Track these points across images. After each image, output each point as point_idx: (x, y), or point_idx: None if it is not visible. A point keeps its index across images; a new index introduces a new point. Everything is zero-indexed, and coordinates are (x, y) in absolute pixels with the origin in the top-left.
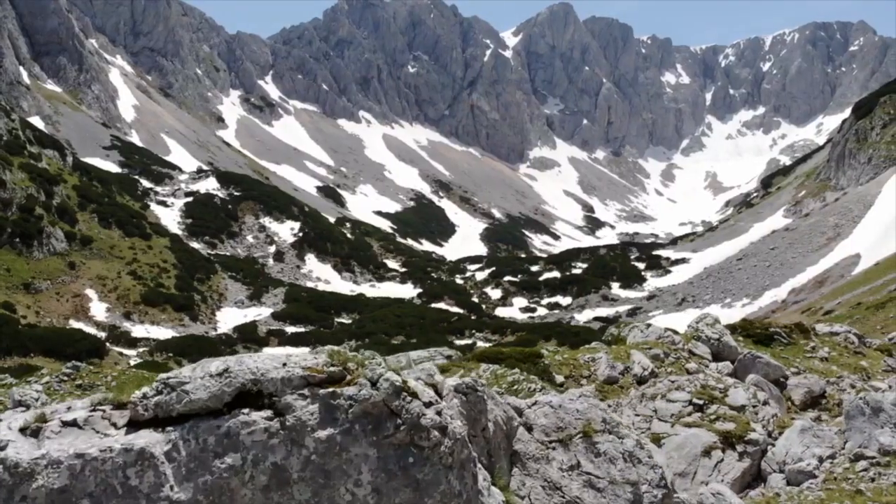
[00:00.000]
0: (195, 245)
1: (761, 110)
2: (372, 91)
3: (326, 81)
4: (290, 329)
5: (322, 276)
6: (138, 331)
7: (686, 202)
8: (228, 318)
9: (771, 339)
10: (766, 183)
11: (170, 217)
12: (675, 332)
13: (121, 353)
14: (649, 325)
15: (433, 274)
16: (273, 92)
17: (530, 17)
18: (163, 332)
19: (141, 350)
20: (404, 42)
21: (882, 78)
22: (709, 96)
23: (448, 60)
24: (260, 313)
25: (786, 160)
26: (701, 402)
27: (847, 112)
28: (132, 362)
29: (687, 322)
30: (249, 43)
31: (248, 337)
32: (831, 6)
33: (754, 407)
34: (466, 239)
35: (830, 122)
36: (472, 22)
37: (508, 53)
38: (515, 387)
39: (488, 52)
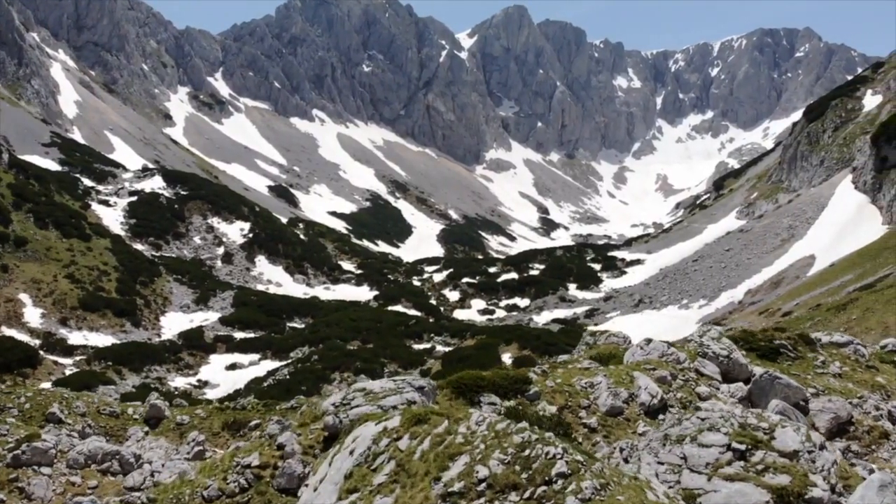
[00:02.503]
0: (139, 246)
1: (710, 114)
2: (326, 89)
3: (279, 79)
4: (239, 335)
5: (273, 278)
6: (75, 338)
7: (637, 204)
8: (173, 324)
9: (777, 353)
10: (718, 185)
11: (112, 217)
12: (674, 346)
13: (55, 363)
14: (650, 341)
15: (390, 276)
16: (223, 89)
17: (485, 20)
18: (102, 339)
19: (78, 359)
20: (359, 41)
21: (827, 83)
22: (659, 100)
23: (403, 60)
24: (207, 318)
25: (734, 163)
26: (742, 446)
27: (793, 117)
28: (67, 372)
29: (642, 323)
30: (199, 39)
31: (194, 343)
32: (778, 13)
33: (810, 453)
34: (423, 240)
35: (777, 126)
36: (428, 22)
37: (464, 55)
38: (527, 452)
39: (444, 53)
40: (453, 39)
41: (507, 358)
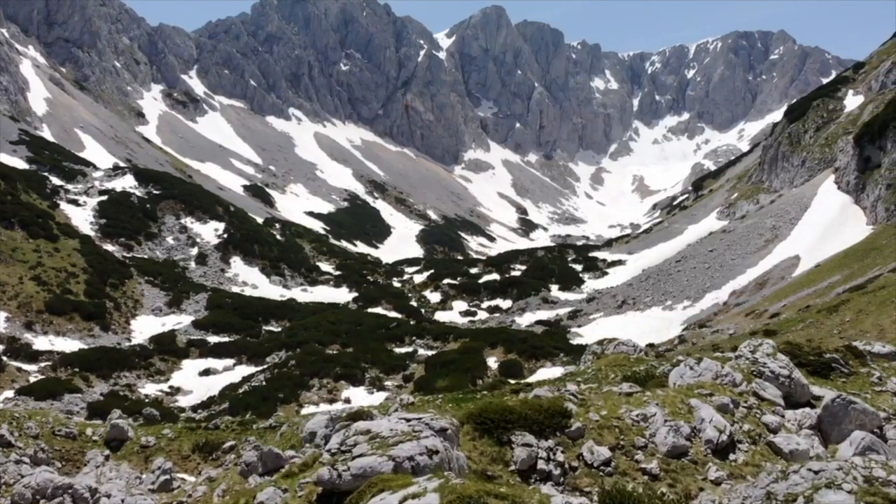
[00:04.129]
0: (109, 247)
1: (686, 116)
2: (303, 88)
3: (254, 77)
4: (213, 338)
5: (249, 279)
6: (41, 343)
7: (614, 205)
8: (144, 327)
9: (829, 369)
10: (697, 186)
11: (81, 217)
12: (725, 361)
13: (19, 369)
14: (700, 360)
15: (369, 277)
16: (197, 87)
17: (463, 20)
18: (69, 344)
19: (43, 365)
20: (336, 39)
21: (801, 86)
22: (636, 102)
23: (381, 59)
24: (180, 321)
25: (710, 165)
26: None
27: (768, 119)
28: (32, 379)
29: (626, 325)
30: (172, 36)
31: (166, 348)
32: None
33: None
34: (402, 240)
35: (752, 128)
36: (406, 22)
37: (442, 55)
38: None
39: (422, 53)
40: (431, 39)
41: (492, 362)
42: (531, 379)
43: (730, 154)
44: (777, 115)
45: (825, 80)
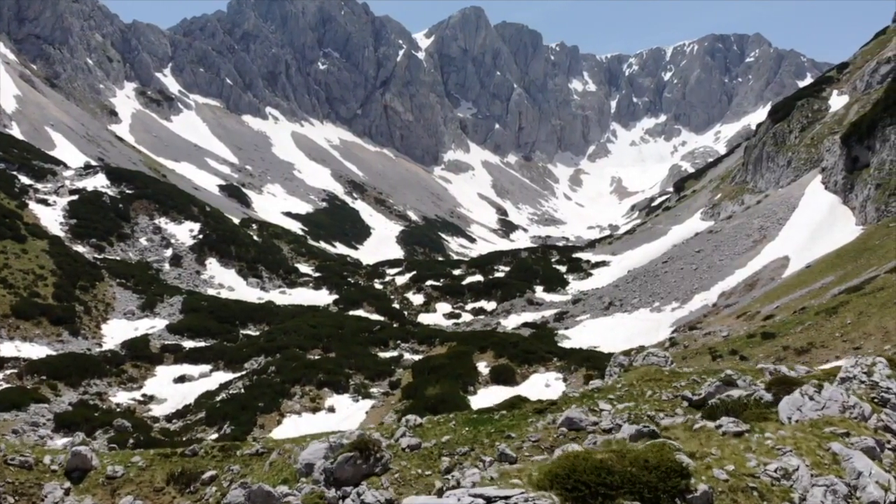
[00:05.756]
0: (79, 248)
1: (663, 118)
2: (280, 87)
3: (231, 76)
4: (188, 343)
5: (225, 282)
6: (6, 349)
7: (593, 206)
8: (116, 332)
9: None
10: (679, 187)
11: (51, 217)
12: (849, 387)
13: None
14: (820, 387)
15: (350, 279)
16: (172, 85)
17: (442, 20)
18: (36, 350)
19: (9, 372)
20: (314, 38)
21: (777, 88)
22: (614, 104)
23: (360, 59)
24: (153, 325)
25: (687, 166)
26: None
27: (744, 121)
28: None
29: (614, 327)
30: (146, 33)
31: (139, 354)
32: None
33: None
34: (382, 241)
35: (728, 130)
36: (385, 21)
37: (421, 55)
38: None
39: (401, 53)
40: (410, 39)
41: (482, 367)
42: (525, 385)
43: (706, 156)
44: (753, 117)
45: (800, 83)
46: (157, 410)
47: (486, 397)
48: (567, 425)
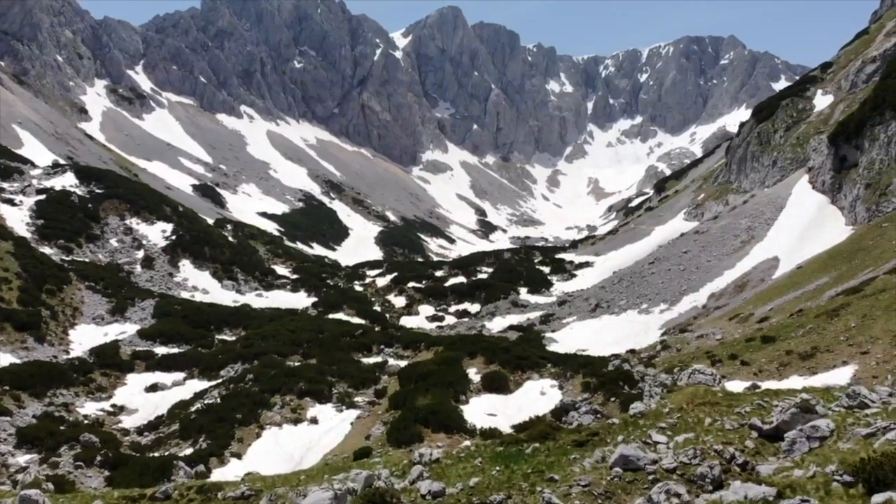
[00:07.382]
0: (46, 250)
1: (639, 119)
2: (255, 85)
3: (204, 73)
4: (161, 350)
5: (199, 284)
6: None
7: (571, 207)
8: (84, 338)
9: None
10: (660, 187)
11: (17, 217)
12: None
13: None
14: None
15: (329, 280)
16: (144, 83)
17: (420, 20)
18: None
19: None
20: (290, 36)
21: (751, 90)
22: (590, 105)
23: (337, 57)
24: (124, 331)
25: (663, 167)
26: None
27: (719, 122)
28: None
29: (602, 329)
30: (118, 29)
31: (108, 361)
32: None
33: None
34: (361, 242)
35: (703, 131)
36: (361, 20)
37: (399, 54)
38: None
39: (378, 52)
40: (388, 38)
41: (473, 374)
42: (519, 393)
43: (682, 157)
44: (728, 119)
45: (775, 85)
46: (127, 422)
47: (480, 406)
48: (622, 465)
